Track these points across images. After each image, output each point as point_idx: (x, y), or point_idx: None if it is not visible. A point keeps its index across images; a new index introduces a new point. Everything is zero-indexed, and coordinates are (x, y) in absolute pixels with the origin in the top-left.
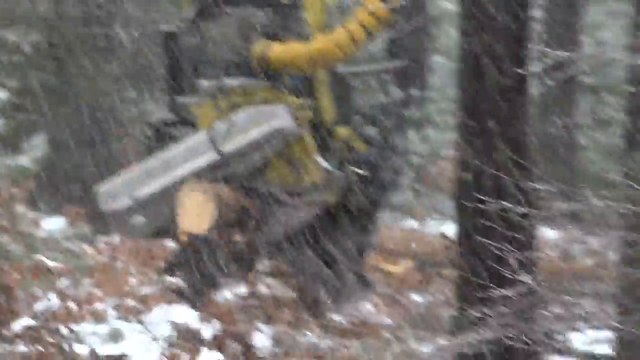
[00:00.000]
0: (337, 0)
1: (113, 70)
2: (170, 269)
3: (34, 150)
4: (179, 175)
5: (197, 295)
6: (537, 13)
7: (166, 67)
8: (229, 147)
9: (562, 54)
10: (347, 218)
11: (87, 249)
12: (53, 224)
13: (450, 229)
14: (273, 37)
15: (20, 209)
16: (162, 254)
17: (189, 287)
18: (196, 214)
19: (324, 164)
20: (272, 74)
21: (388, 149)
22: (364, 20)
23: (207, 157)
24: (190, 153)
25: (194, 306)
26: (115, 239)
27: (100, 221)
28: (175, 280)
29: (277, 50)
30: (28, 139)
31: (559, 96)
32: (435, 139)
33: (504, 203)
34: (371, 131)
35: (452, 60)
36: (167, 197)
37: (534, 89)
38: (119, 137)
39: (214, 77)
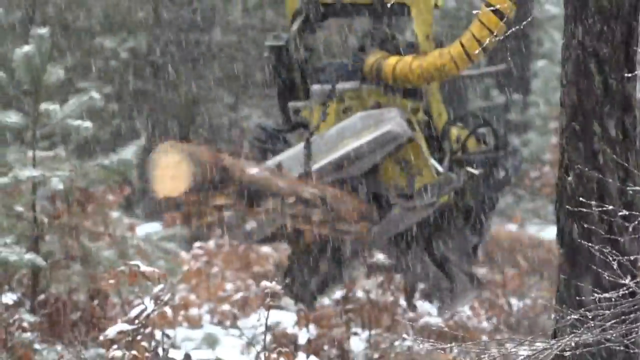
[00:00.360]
0: (443, 3)
1: (211, 76)
2: (287, 273)
3: (131, 156)
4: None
5: (309, 298)
6: None
7: (275, 77)
8: (328, 158)
9: None
10: (459, 218)
11: (183, 254)
12: (149, 230)
13: (549, 232)
14: (378, 45)
15: (115, 214)
16: (258, 259)
17: (302, 290)
18: (172, 175)
19: (437, 165)
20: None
21: (500, 148)
22: (478, 34)
23: (299, 171)
24: (302, 159)
25: (307, 308)
26: (211, 244)
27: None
28: (272, 285)
29: (391, 62)
30: (125, 145)
31: None
32: (536, 143)
33: (607, 206)
34: (483, 131)
35: (555, 65)
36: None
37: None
38: (215, 142)
39: (326, 81)
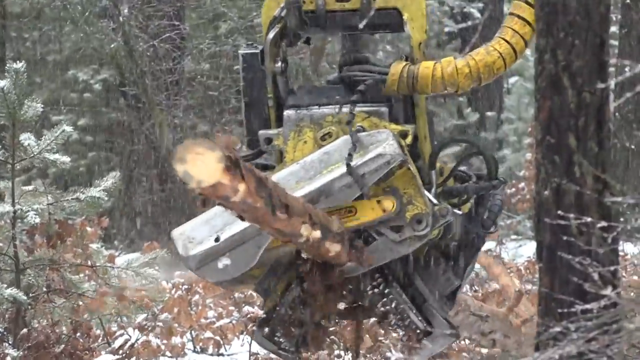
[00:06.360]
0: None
1: (185, 104)
2: (264, 328)
3: (107, 188)
4: None
5: (293, 348)
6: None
7: (245, 93)
8: (312, 186)
9: None
10: (442, 257)
11: (164, 283)
12: (129, 260)
13: (527, 248)
14: (354, 62)
15: (95, 246)
16: None
17: (285, 340)
18: (202, 161)
19: (430, 195)
20: (396, 98)
21: (492, 180)
22: (520, 30)
23: (302, 191)
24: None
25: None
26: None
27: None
28: (254, 310)
29: (428, 66)
30: (101, 177)
31: (638, 109)
32: (511, 160)
33: (586, 218)
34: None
35: (528, 80)
36: (257, 236)
37: (613, 103)
38: None
39: (302, 105)
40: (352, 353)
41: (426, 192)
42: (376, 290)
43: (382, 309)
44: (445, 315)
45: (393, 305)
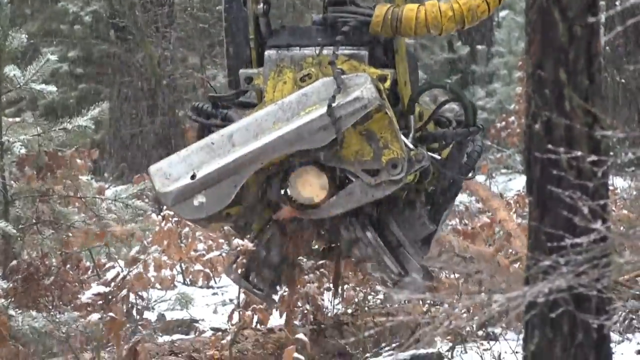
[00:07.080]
0: None
1: (175, 37)
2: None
3: (95, 116)
4: (245, 153)
5: (270, 291)
6: None
7: (227, 33)
8: (289, 127)
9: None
10: (419, 202)
11: (154, 216)
12: (118, 193)
13: (517, 182)
14: (339, 2)
15: (85, 178)
16: None
17: (263, 285)
18: None
19: (406, 140)
20: (384, 41)
21: (469, 126)
22: None
23: (279, 132)
24: (257, 129)
25: (269, 302)
26: None
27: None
28: (244, 243)
29: (412, 8)
30: (90, 109)
31: (628, 43)
32: (502, 93)
33: (576, 152)
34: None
35: (518, 14)
36: (233, 175)
37: (603, 37)
38: (182, 105)
39: (283, 46)
40: (333, 290)
41: (403, 137)
42: (351, 233)
43: (356, 251)
44: (420, 259)
45: (368, 248)
